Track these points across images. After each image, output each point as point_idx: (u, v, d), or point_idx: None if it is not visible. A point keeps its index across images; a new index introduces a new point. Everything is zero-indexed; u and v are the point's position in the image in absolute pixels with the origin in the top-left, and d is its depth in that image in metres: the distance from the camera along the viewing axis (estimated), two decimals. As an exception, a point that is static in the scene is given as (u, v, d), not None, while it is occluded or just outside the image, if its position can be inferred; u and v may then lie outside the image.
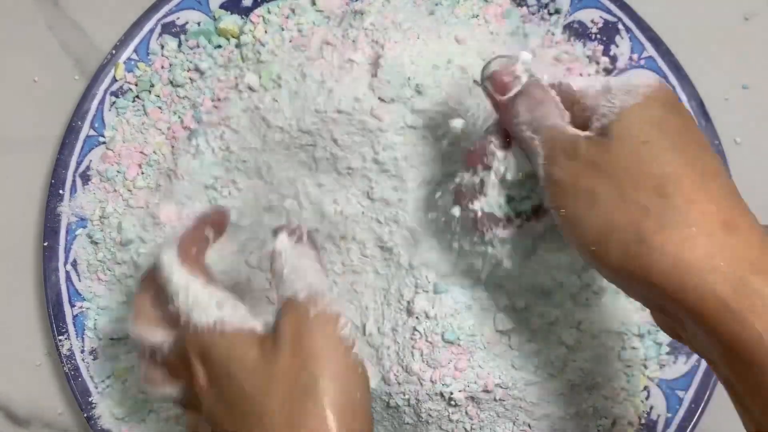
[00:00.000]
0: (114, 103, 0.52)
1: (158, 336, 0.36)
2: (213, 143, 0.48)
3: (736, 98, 0.53)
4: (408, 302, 0.44)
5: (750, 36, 0.54)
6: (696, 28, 0.54)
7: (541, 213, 0.37)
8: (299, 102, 0.45)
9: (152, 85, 0.52)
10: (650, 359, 0.48)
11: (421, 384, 0.43)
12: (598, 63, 0.52)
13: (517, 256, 0.40)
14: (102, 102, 0.52)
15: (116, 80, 0.52)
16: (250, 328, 0.33)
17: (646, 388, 0.48)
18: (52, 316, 0.50)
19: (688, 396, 0.48)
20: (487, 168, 0.37)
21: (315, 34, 0.47)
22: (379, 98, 0.44)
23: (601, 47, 0.51)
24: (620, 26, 0.51)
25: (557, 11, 0.52)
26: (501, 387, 0.43)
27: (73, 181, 0.51)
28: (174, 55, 0.52)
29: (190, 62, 0.51)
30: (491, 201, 0.37)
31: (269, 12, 0.50)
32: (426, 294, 0.44)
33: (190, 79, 0.51)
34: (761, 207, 0.51)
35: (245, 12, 0.52)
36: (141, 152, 0.51)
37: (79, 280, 0.50)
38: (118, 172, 0.51)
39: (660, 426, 0.48)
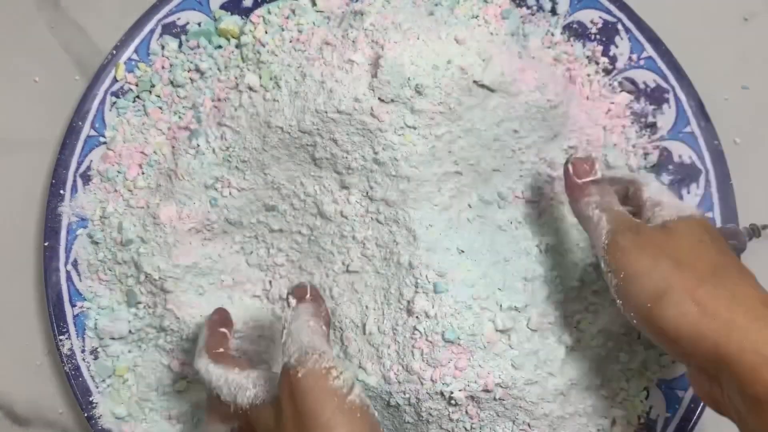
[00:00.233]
0: (114, 103, 0.52)
1: (228, 424, 0.41)
2: (213, 143, 0.48)
3: (735, 98, 0.53)
4: (408, 302, 0.44)
5: (750, 36, 0.54)
6: (696, 29, 0.54)
7: None
8: (299, 102, 0.45)
9: (153, 86, 0.52)
10: (650, 359, 0.48)
11: (422, 383, 0.43)
12: (597, 63, 0.52)
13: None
14: (102, 102, 0.52)
15: (117, 80, 0.52)
16: (272, 396, 0.37)
17: (645, 388, 0.48)
18: (53, 316, 0.50)
19: (687, 396, 0.48)
20: None
21: (315, 34, 0.47)
22: (379, 98, 0.44)
23: (600, 47, 0.51)
24: (620, 26, 0.51)
25: (556, 11, 0.52)
26: (501, 386, 0.43)
27: (74, 181, 0.51)
28: (174, 55, 0.52)
29: (191, 62, 0.52)
30: None
31: (269, 12, 0.50)
32: (426, 294, 0.44)
33: (191, 79, 0.51)
34: (761, 207, 0.51)
35: (245, 12, 0.52)
36: (141, 152, 0.51)
37: (80, 280, 0.50)
38: (118, 172, 0.51)
39: (659, 426, 0.48)
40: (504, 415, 0.44)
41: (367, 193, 0.46)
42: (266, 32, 0.49)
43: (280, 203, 0.48)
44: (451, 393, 0.43)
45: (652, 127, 0.51)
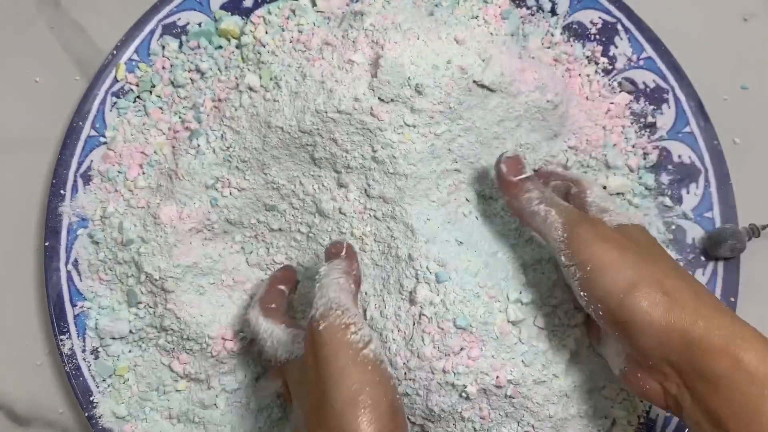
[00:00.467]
0: (115, 103, 0.52)
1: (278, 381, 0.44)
2: (214, 143, 0.48)
3: (735, 98, 0.53)
4: (410, 293, 0.44)
5: (749, 36, 0.54)
6: (695, 29, 0.54)
7: None
8: (299, 102, 0.45)
9: (153, 86, 0.52)
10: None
11: (433, 372, 0.43)
12: (597, 63, 0.52)
13: None
14: (103, 102, 0.52)
15: (117, 81, 0.52)
16: (301, 354, 0.39)
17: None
18: (54, 316, 0.50)
19: (687, 395, 0.48)
20: None
21: (315, 34, 0.47)
22: (379, 98, 0.44)
23: (600, 48, 0.51)
24: (619, 27, 0.51)
25: (556, 12, 0.52)
26: (512, 383, 0.43)
27: (74, 181, 0.51)
28: (175, 55, 0.52)
29: (191, 63, 0.52)
30: None
31: (270, 13, 0.50)
32: (428, 284, 0.44)
33: (191, 79, 0.51)
34: (761, 207, 0.51)
35: (246, 13, 0.52)
36: (142, 152, 0.51)
37: (80, 280, 0.51)
38: (119, 172, 0.51)
39: (659, 425, 0.48)
40: (511, 416, 0.44)
41: (365, 190, 0.46)
42: (266, 32, 0.49)
43: (280, 203, 0.48)
44: (464, 387, 0.43)
45: (652, 127, 0.51)
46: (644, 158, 0.51)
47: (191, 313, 0.48)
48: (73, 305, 0.50)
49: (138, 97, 0.52)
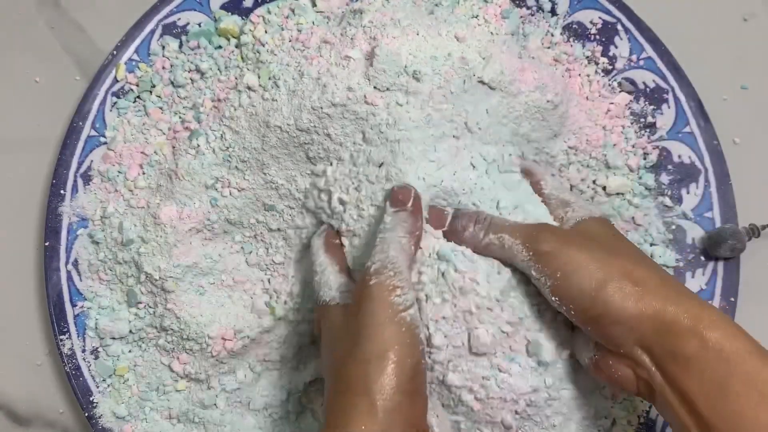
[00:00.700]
0: (115, 103, 0.52)
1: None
2: (213, 143, 0.48)
3: (735, 98, 0.53)
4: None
5: (749, 36, 0.54)
6: (695, 29, 0.54)
7: None
8: (296, 100, 0.45)
9: (153, 86, 0.52)
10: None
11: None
12: (597, 63, 0.52)
13: None
14: (103, 102, 0.52)
15: (117, 81, 0.52)
16: (345, 303, 0.41)
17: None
18: (54, 316, 0.50)
19: (687, 395, 0.48)
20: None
21: (314, 33, 0.47)
22: (375, 87, 0.44)
23: (600, 48, 0.51)
24: (619, 27, 0.51)
25: (556, 12, 0.52)
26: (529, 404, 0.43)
27: (75, 181, 0.51)
28: (175, 55, 0.52)
29: (191, 63, 0.52)
30: None
31: (269, 12, 0.50)
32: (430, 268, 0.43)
33: (191, 79, 0.52)
34: (761, 207, 0.51)
35: (246, 12, 0.52)
36: (142, 152, 0.51)
37: (80, 280, 0.51)
38: (119, 172, 0.51)
39: (659, 425, 0.48)
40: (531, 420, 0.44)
41: (354, 164, 0.45)
42: (266, 32, 0.49)
43: (278, 203, 0.48)
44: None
45: (652, 127, 0.51)
46: (644, 158, 0.51)
47: (191, 313, 0.48)
48: (73, 305, 0.50)
49: (138, 97, 0.52)
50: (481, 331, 0.41)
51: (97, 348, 0.50)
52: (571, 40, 0.52)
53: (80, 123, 0.51)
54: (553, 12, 0.52)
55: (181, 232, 0.48)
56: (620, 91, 0.51)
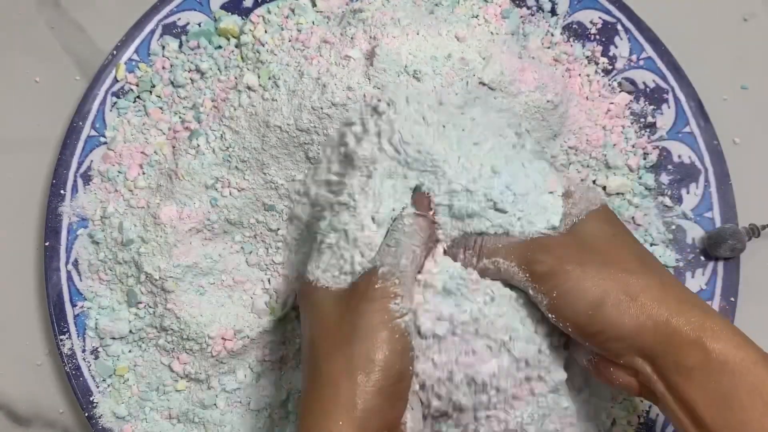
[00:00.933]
0: (115, 103, 0.52)
1: None
2: (213, 143, 0.48)
3: (735, 98, 0.53)
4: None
5: (749, 36, 0.54)
6: (695, 29, 0.54)
7: None
8: (296, 101, 0.45)
9: (153, 86, 0.52)
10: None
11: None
12: (597, 63, 0.52)
13: None
14: (103, 102, 0.52)
15: (117, 81, 0.52)
16: (338, 287, 0.40)
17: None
18: (54, 316, 0.50)
19: (687, 395, 0.48)
20: None
21: (314, 33, 0.47)
22: (374, 87, 0.44)
23: (600, 48, 0.51)
24: (619, 27, 0.51)
25: (556, 12, 0.52)
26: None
27: (75, 181, 0.51)
28: (175, 55, 0.52)
29: (191, 63, 0.52)
30: None
31: (269, 12, 0.50)
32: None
33: (191, 79, 0.51)
34: (761, 207, 0.51)
35: (246, 12, 0.52)
36: (142, 152, 0.51)
37: (80, 280, 0.51)
38: (119, 172, 0.51)
39: (659, 425, 0.48)
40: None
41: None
42: (266, 32, 0.49)
43: (278, 203, 0.48)
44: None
45: (652, 127, 0.51)
46: (644, 158, 0.51)
47: (191, 313, 0.48)
48: (73, 305, 0.50)
49: (138, 97, 0.52)
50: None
51: (97, 348, 0.50)
52: (571, 40, 0.52)
53: (80, 123, 0.51)
54: (553, 12, 0.52)
55: (181, 232, 0.48)
56: (620, 91, 0.51)
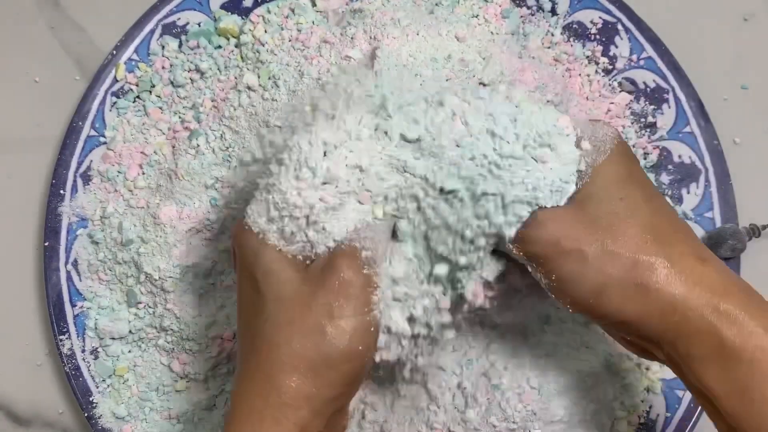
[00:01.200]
0: (115, 103, 0.52)
1: None
2: (213, 143, 0.48)
3: (735, 98, 0.53)
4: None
5: (749, 36, 0.54)
6: (695, 29, 0.54)
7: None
8: (296, 101, 0.45)
9: (153, 86, 0.52)
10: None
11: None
12: (597, 63, 0.52)
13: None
14: (103, 102, 0.52)
15: (117, 81, 0.52)
16: (292, 252, 0.36)
17: (646, 387, 0.48)
18: (53, 316, 0.50)
19: (687, 396, 0.48)
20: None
21: (314, 33, 0.47)
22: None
23: (600, 48, 0.51)
24: (620, 27, 0.51)
25: (556, 11, 0.52)
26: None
27: (74, 181, 0.51)
28: (174, 55, 0.52)
29: (191, 63, 0.52)
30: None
31: (269, 12, 0.50)
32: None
33: (191, 79, 0.51)
34: (761, 207, 0.51)
35: (246, 12, 0.52)
36: (142, 152, 0.51)
37: (80, 280, 0.50)
38: (118, 172, 0.51)
39: (659, 425, 0.48)
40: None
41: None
42: (266, 31, 0.49)
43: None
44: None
45: (652, 127, 0.51)
46: (644, 158, 0.51)
47: (191, 314, 0.48)
48: (73, 305, 0.50)
49: (138, 96, 0.52)
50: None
51: (97, 348, 0.50)
52: (571, 39, 0.52)
53: (80, 123, 0.51)
54: (553, 12, 0.52)
55: (180, 232, 0.48)
56: (620, 91, 0.51)
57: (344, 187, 0.35)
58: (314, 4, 0.50)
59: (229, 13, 0.52)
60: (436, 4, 0.49)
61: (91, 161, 0.51)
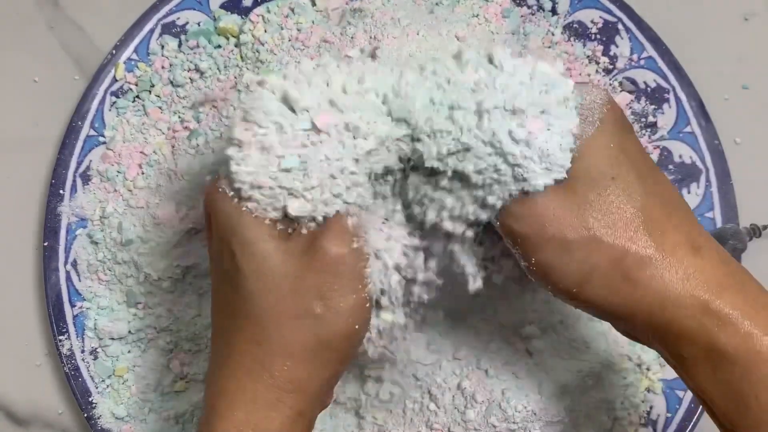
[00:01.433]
0: (114, 103, 0.52)
1: None
2: (213, 144, 0.48)
3: (736, 98, 0.53)
4: None
5: (750, 36, 0.54)
6: (696, 29, 0.54)
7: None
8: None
9: (152, 85, 0.52)
10: (650, 359, 0.48)
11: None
12: (597, 63, 0.52)
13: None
14: (102, 102, 0.52)
15: (116, 80, 0.52)
16: (271, 217, 0.33)
17: (646, 388, 0.48)
18: (53, 316, 0.50)
19: (687, 396, 0.48)
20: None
21: (314, 33, 0.47)
22: None
23: (601, 47, 0.51)
24: (620, 26, 0.51)
25: (557, 11, 0.52)
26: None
27: (74, 181, 0.51)
28: (174, 55, 0.52)
29: (191, 62, 0.52)
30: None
31: (269, 11, 0.50)
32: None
33: (190, 79, 0.51)
34: (761, 207, 0.51)
35: (245, 12, 0.52)
36: (141, 152, 0.51)
37: (79, 280, 0.50)
38: (118, 172, 0.51)
39: (660, 426, 0.48)
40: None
41: None
42: (265, 31, 0.49)
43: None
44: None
45: (653, 126, 0.51)
46: (645, 158, 0.51)
47: (191, 314, 0.48)
48: (72, 305, 0.50)
49: (137, 96, 0.52)
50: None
51: (96, 348, 0.50)
52: (571, 39, 0.52)
53: (79, 122, 0.51)
54: (553, 11, 0.52)
55: (180, 233, 0.48)
56: (621, 91, 0.51)
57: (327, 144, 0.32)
58: (314, 4, 0.50)
59: (229, 12, 0.52)
60: (437, 4, 0.49)
61: (91, 161, 0.51)
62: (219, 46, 0.52)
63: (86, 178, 0.51)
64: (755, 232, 0.50)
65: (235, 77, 0.49)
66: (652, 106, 0.51)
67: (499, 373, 0.46)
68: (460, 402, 0.45)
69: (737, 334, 0.30)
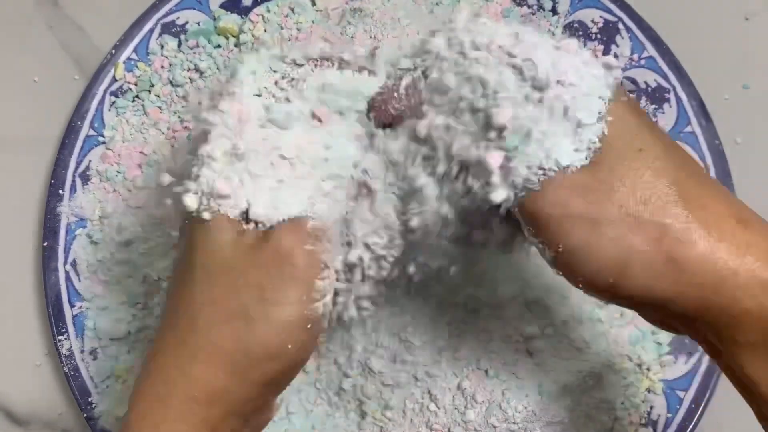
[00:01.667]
0: (114, 102, 0.52)
1: None
2: (213, 143, 0.48)
3: (736, 98, 0.53)
4: None
5: (750, 36, 0.54)
6: (696, 28, 0.54)
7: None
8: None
9: (152, 85, 0.52)
10: (651, 359, 0.48)
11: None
12: (598, 63, 0.52)
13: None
14: (102, 102, 0.52)
15: (116, 80, 0.52)
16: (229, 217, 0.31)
17: (647, 388, 0.48)
18: (52, 316, 0.50)
19: (688, 396, 0.48)
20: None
21: (314, 32, 0.47)
22: None
23: (601, 47, 0.51)
24: (620, 26, 0.51)
25: (557, 11, 0.52)
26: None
27: (73, 181, 0.51)
28: (174, 54, 0.52)
29: (190, 62, 0.51)
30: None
31: (269, 11, 0.50)
32: None
33: (190, 78, 0.51)
34: (761, 207, 0.51)
35: (245, 11, 0.52)
36: (141, 152, 0.51)
37: (79, 280, 0.50)
38: (117, 172, 0.51)
39: (660, 426, 0.48)
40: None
41: None
42: (265, 31, 0.49)
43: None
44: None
45: (653, 126, 0.51)
46: (645, 158, 0.51)
47: (190, 314, 0.48)
48: (72, 306, 0.50)
49: (137, 96, 0.52)
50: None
51: (96, 349, 0.50)
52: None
53: (79, 122, 0.51)
54: (554, 11, 0.52)
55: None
56: (621, 91, 0.51)
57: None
58: (314, 3, 0.50)
59: (229, 12, 0.52)
60: (437, 4, 0.49)
61: (90, 161, 0.51)
62: (219, 46, 0.52)
63: (86, 178, 0.51)
64: (756, 232, 0.50)
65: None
66: (653, 106, 0.51)
67: (500, 373, 0.46)
68: (461, 402, 0.45)
69: None
